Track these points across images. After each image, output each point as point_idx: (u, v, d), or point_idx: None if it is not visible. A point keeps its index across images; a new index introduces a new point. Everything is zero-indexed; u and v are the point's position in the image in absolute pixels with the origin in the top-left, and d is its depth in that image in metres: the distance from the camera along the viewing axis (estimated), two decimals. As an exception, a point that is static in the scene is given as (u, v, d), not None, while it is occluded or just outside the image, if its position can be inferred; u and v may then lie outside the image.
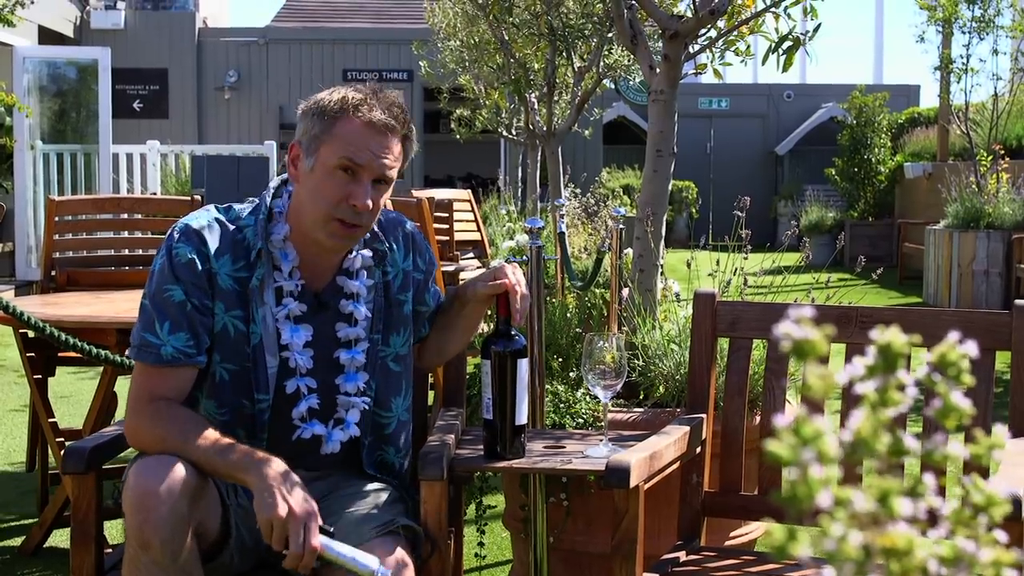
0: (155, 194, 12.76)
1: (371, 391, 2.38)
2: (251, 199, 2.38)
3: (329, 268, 2.37)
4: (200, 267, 2.23)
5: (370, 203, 2.23)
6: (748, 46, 4.34)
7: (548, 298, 3.87)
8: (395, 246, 2.45)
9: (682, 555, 2.58)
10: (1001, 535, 0.70)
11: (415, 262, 2.48)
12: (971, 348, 0.73)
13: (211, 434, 2.14)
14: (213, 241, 2.26)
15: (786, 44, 3.91)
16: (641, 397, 3.33)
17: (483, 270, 7.43)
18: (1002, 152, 11.84)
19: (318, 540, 2.04)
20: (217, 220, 2.29)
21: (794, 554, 0.66)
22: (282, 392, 2.31)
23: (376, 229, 2.41)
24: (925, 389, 0.73)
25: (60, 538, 4.01)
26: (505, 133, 10.66)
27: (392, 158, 2.26)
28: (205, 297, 2.24)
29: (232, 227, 2.29)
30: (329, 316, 2.36)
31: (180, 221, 2.29)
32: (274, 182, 2.39)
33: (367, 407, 2.38)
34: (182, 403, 2.23)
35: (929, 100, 22.83)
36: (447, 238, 7.91)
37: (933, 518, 0.70)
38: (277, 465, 2.09)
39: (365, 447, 2.41)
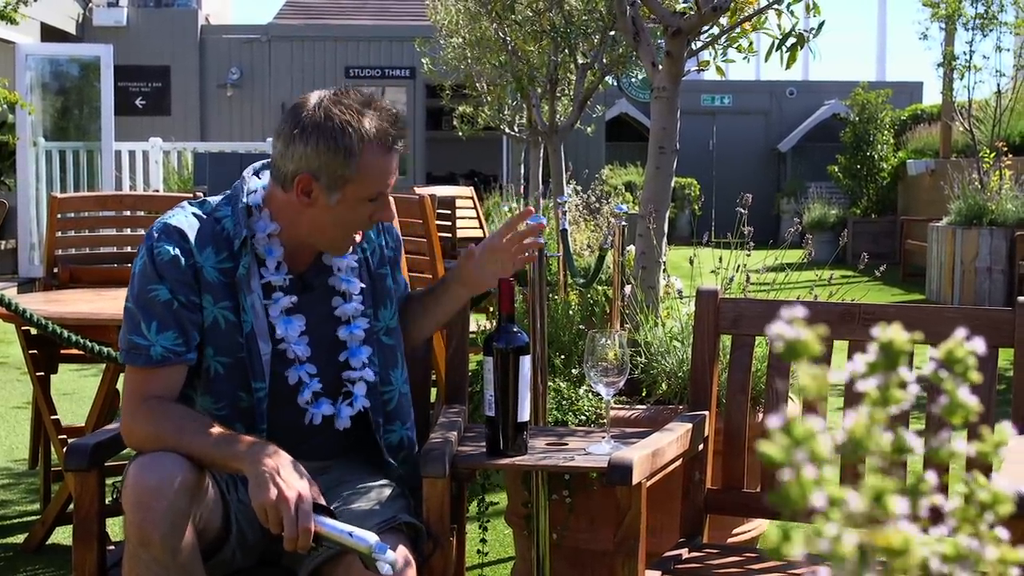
0: (158, 191, 12.76)
1: (374, 364, 2.40)
2: (223, 192, 2.38)
3: (310, 252, 2.38)
4: (184, 263, 2.24)
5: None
6: (751, 43, 4.33)
7: (550, 295, 3.86)
8: None
9: (684, 552, 2.57)
10: (1004, 533, 0.70)
11: (385, 240, 2.53)
12: (979, 345, 0.73)
13: (206, 427, 2.15)
14: (194, 236, 2.26)
15: (790, 41, 3.91)
16: (643, 394, 3.32)
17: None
18: (1005, 149, 11.82)
19: (312, 521, 2.04)
20: (195, 215, 2.30)
21: (788, 554, 0.65)
22: (283, 381, 2.32)
23: None
24: (929, 386, 0.73)
25: (63, 535, 4.01)
26: (507, 130, 10.66)
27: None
28: (192, 293, 2.24)
29: (210, 220, 2.30)
30: (315, 296, 2.37)
31: (157, 221, 2.29)
32: (247, 171, 2.39)
33: (374, 377, 2.40)
34: (176, 400, 2.23)
35: (932, 97, 22.78)
36: (449, 235, 7.90)
37: (937, 516, 0.70)
38: (271, 451, 2.10)
39: (380, 427, 2.42)
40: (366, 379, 2.39)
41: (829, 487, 0.65)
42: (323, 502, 2.12)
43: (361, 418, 2.41)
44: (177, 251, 2.24)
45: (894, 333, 0.69)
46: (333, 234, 2.30)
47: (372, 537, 2.04)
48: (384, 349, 2.45)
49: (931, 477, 0.69)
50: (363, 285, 2.42)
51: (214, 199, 2.36)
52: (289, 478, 2.05)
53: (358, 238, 2.34)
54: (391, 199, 2.32)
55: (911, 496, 0.66)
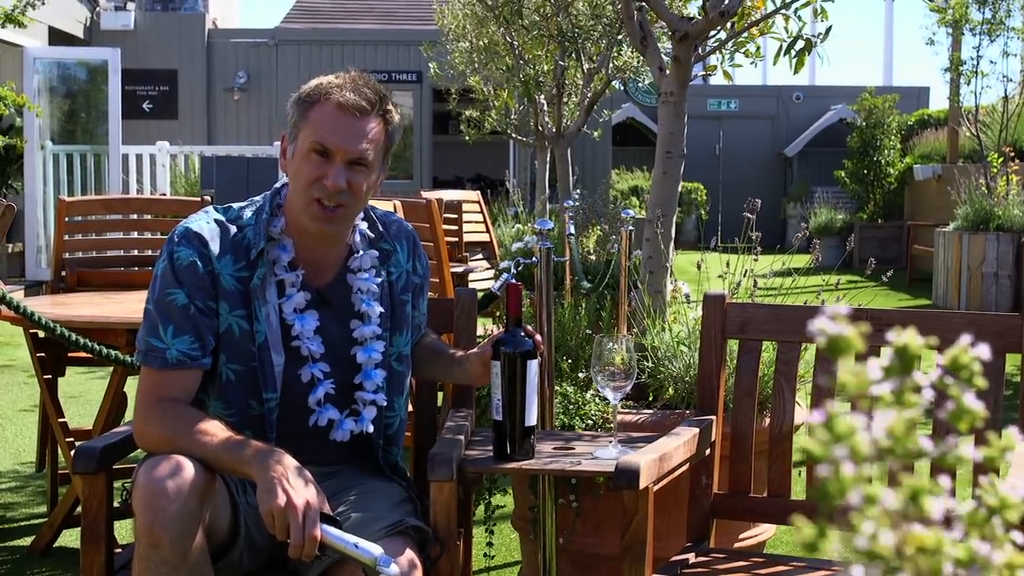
0: (165, 195, 12.78)
1: (384, 389, 2.40)
2: (252, 199, 2.39)
3: (330, 265, 2.39)
4: (202, 269, 2.25)
5: (343, 183, 2.24)
6: (758, 47, 4.33)
7: (558, 299, 3.87)
8: (398, 247, 2.47)
9: (691, 557, 2.57)
10: (1016, 537, 0.70)
11: (415, 266, 2.52)
12: (984, 351, 0.73)
13: (218, 431, 2.15)
14: (214, 242, 2.27)
15: (798, 45, 3.91)
16: (650, 399, 3.32)
17: (493, 276, 7.41)
18: (1012, 154, 11.81)
19: (318, 529, 2.04)
20: (217, 221, 2.31)
21: (825, 552, 0.66)
22: (294, 384, 2.32)
23: (381, 229, 2.44)
24: (937, 391, 0.73)
25: (70, 538, 4.01)
26: (514, 134, 10.66)
27: (367, 139, 2.27)
28: (209, 299, 2.25)
29: (232, 227, 2.31)
30: (333, 312, 2.37)
31: (179, 224, 2.31)
32: (280, 182, 2.41)
33: (385, 402, 2.40)
34: (189, 404, 2.24)
35: (939, 102, 22.82)
36: (456, 239, 7.91)
37: (947, 520, 0.70)
38: (281, 457, 2.10)
39: (380, 448, 2.43)
40: (377, 403, 2.40)
41: (867, 485, 0.65)
42: (329, 511, 2.12)
43: (360, 437, 2.41)
44: (195, 256, 2.25)
45: (909, 338, 0.69)
46: (295, 195, 2.30)
47: (377, 549, 2.04)
48: (393, 375, 2.45)
49: (944, 481, 0.69)
50: (382, 310, 2.42)
51: (240, 205, 2.37)
52: (297, 485, 2.06)
53: (325, 203, 2.25)
54: (341, 166, 2.24)
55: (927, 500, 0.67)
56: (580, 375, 3.42)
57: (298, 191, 2.29)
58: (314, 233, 2.32)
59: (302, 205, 2.28)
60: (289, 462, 2.10)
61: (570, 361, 3.52)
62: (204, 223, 2.30)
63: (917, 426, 0.70)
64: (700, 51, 3.82)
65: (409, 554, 2.16)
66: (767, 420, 3.02)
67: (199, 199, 5.06)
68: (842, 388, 0.69)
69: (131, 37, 18.18)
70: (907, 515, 0.65)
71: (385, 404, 2.41)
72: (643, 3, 3.78)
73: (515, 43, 8.44)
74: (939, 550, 0.64)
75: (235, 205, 2.37)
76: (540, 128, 9.26)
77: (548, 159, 9.99)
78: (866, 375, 0.68)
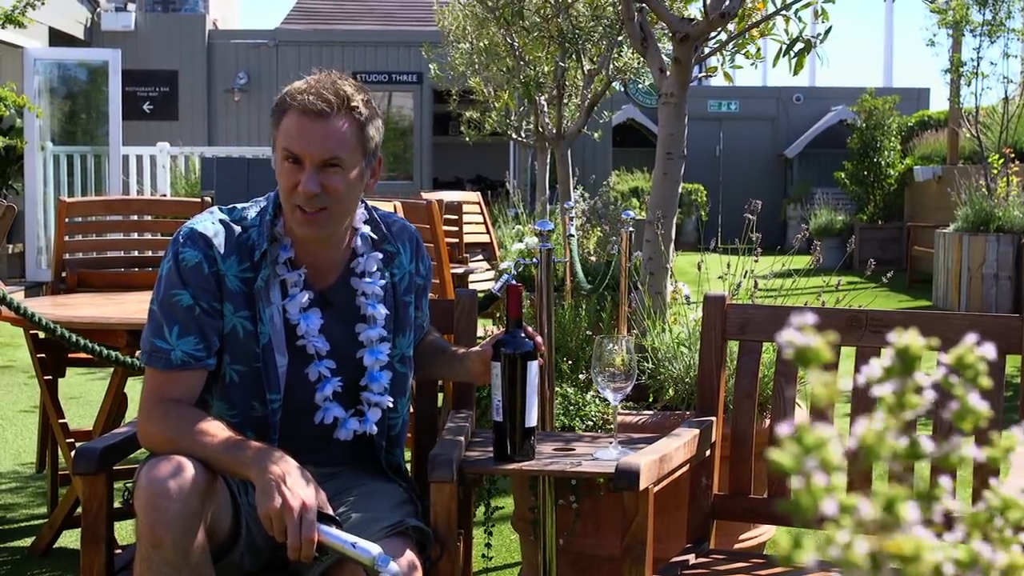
0: (165, 196, 12.79)
1: (389, 391, 2.40)
2: (256, 200, 2.39)
3: (332, 267, 2.39)
4: (207, 270, 2.25)
5: (314, 188, 2.23)
6: (758, 49, 4.33)
7: (558, 300, 3.87)
8: (401, 249, 2.48)
9: (691, 558, 2.57)
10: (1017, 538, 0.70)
11: (418, 267, 2.53)
12: (989, 351, 0.73)
13: (219, 432, 2.15)
14: (219, 243, 2.28)
15: (797, 46, 3.91)
16: (650, 400, 3.32)
17: (493, 277, 7.41)
18: (1012, 155, 11.81)
19: (315, 532, 2.04)
20: (222, 222, 2.32)
21: (800, 562, 0.65)
22: (298, 384, 2.32)
23: (384, 231, 2.44)
24: (940, 392, 0.73)
25: (70, 539, 4.01)
26: (514, 135, 10.65)
27: (334, 140, 2.25)
28: (213, 300, 2.25)
29: (237, 228, 2.31)
30: (336, 314, 2.37)
31: (185, 225, 2.31)
32: None
33: (390, 406, 2.40)
34: (193, 405, 2.24)
35: (939, 103, 22.85)
36: (456, 240, 7.91)
37: (949, 521, 0.70)
38: (280, 458, 2.10)
39: (383, 449, 2.43)
40: (382, 405, 2.40)
41: (840, 494, 0.65)
42: (329, 511, 2.12)
43: (362, 438, 2.41)
44: (201, 257, 2.25)
45: (910, 339, 0.69)
46: (282, 203, 2.31)
47: (375, 549, 2.04)
48: (396, 376, 2.45)
49: (946, 482, 0.69)
50: (387, 312, 2.42)
51: (245, 206, 2.37)
52: (295, 486, 2.06)
53: (305, 209, 2.25)
54: (312, 171, 2.24)
55: (925, 501, 0.67)
56: (580, 376, 3.42)
57: (283, 199, 2.30)
58: (305, 237, 2.32)
59: (288, 213, 2.29)
60: (288, 463, 2.10)
61: (570, 362, 3.52)
62: (209, 224, 2.30)
63: (911, 427, 0.70)
64: (700, 52, 3.82)
65: (409, 555, 2.16)
66: (767, 421, 3.02)
67: (199, 200, 5.06)
68: (809, 398, 0.69)
69: (131, 38, 18.17)
70: (888, 522, 0.65)
71: (390, 406, 2.42)
72: (643, 4, 3.79)
73: (515, 44, 8.44)
74: (918, 557, 0.64)
75: (239, 205, 2.38)
76: (540, 129, 9.26)
77: (548, 160, 9.98)
78: (835, 386, 0.68)
